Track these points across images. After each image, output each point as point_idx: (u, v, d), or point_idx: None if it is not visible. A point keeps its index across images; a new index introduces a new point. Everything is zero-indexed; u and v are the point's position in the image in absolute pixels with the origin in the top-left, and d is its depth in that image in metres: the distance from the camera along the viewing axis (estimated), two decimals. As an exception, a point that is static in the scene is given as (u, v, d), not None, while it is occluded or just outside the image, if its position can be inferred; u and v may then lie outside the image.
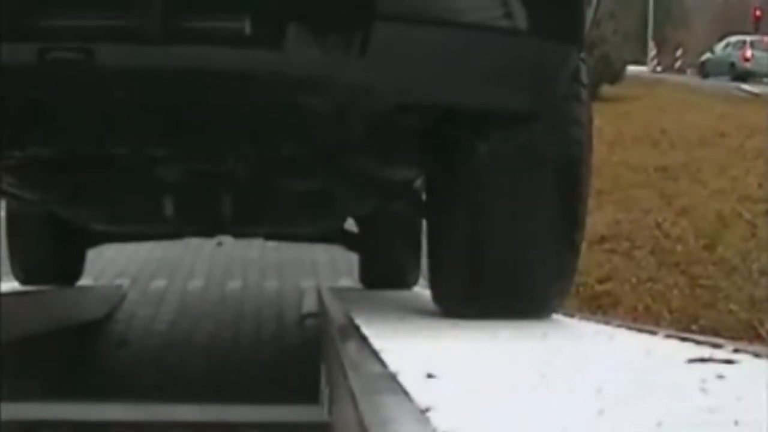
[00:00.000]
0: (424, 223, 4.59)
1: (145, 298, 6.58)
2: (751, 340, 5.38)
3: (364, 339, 1.80)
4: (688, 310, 5.98)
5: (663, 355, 1.60)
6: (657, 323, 5.72)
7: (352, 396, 1.12)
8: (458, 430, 0.90)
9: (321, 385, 3.47)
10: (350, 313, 2.77)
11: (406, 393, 1.06)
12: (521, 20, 1.97)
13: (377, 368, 1.29)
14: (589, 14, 2.16)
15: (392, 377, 1.20)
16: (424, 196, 2.96)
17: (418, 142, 2.46)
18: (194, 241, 6.08)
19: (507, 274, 2.23)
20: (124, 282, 6.92)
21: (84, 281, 5.67)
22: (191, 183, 2.86)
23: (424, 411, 0.95)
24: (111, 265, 7.19)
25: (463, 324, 2.10)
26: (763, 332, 5.51)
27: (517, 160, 2.19)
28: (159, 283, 7.02)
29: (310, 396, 3.72)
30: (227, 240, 5.49)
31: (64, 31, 1.84)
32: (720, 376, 1.26)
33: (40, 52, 1.84)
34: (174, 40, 1.83)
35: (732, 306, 5.98)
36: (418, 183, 3.24)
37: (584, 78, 2.25)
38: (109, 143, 2.36)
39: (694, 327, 5.65)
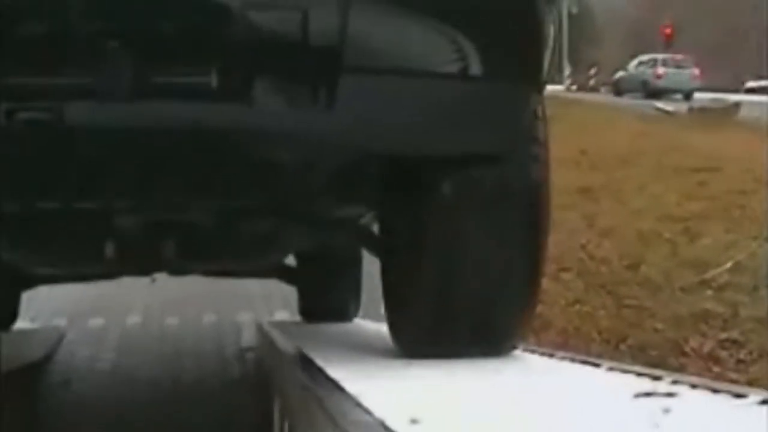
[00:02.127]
0: (364, 253, 4.68)
1: (84, 337, 6.62)
2: (677, 358, 5.63)
3: (333, 381, 1.93)
4: (615, 331, 6.20)
5: (610, 389, 1.76)
6: (587, 345, 5.94)
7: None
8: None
9: (274, 420, 3.59)
10: (303, 349, 2.87)
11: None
12: (485, 68, 2.03)
13: (364, 416, 1.44)
14: (547, 55, 2.18)
15: (380, 423, 1.36)
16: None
17: (374, 182, 2.49)
18: (127, 278, 6.13)
19: (473, 314, 2.26)
20: (62, 322, 6.96)
21: (20, 322, 5.70)
22: (135, 227, 2.85)
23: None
24: (46, 305, 7.19)
25: (417, 362, 2.23)
26: (688, 349, 5.76)
27: (480, 200, 2.23)
28: (97, 322, 7.06)
29: (260, 430, 3.84)
30: (160, 275, 5.55)
31: (30, 90, 1.88)
32: (666, 410, 1.42)
33: (7, 112, 1.87)
34: (140, 96, 1.86)
35: (657, 325, 6.22)
36: (366, 218, 3.28)
37: (542, 116, 2.31)
38: (72, 198, 2.36)
39: (622, 347, 5.88)
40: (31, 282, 4.99)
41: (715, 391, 1.63)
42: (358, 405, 1.55)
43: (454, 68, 2.01)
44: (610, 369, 2.07)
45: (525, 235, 2.27)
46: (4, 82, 1.87)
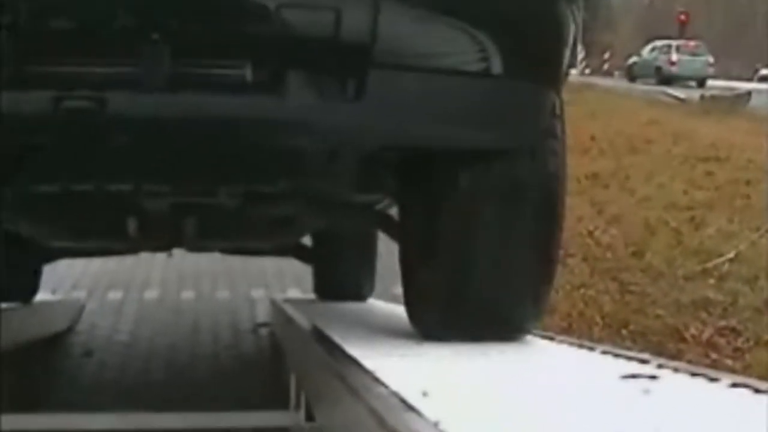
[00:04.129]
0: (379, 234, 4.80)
1: (103, 309, 6.84)
2: (676, 344, 5.83)
3: (351, 357, 2.13)
4: (618, 316, 6.39)
5: (600, 371, 1.97)
6: (590, 328, 6.14)
7: (373, 412, 1.46)
8: None
9: (291, 391, 3.79)
10: (321, 327, 3.05)
11: (414, 410, 1.41)
12: (507, 66, 2.11)
13: (380, 389, 1.64)
14: (566, 55, 2.25)
15: (396, 395, 1.56)
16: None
17: (395, 170, 2.59)
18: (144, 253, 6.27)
19: (487, 300, 2.36)
20: (81, 294, 7.18)
21: (42, 294, 5.90)
22: (159, 206, 2.93)
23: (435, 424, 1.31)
24: (66, 278, 7.41)
25: (428, 342, 2.42)
26: (687, 336, 5.96)
27: (497, 191, 2.31)
28: (115, 295, 7.28)
29: (276, 401, 4.04)
30: (177, 250, 5.68)
31: (74, 79, 1.97)
32: (646, 391, 1.62)
33: (45, 100, 1.95)
34: (178, 86, 1.95)
35: (659, 311, 6.42)
36: (386, 203, 3.36)
37: (560, 112, 2.39)
38: (107, 182, 2.50)
39: (624, 332, 6.08)
40: (52, 256, 5.12)
41: (693, 374, 1.83)
42: (375, 379, 1.75)
43: (476, 66, 2.10)
44: (604, 353, 2.26)
45: (539, 225, 2.36)
46: (52, 72, 1.97)
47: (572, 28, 2.23)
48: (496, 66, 2.11)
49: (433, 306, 2.44)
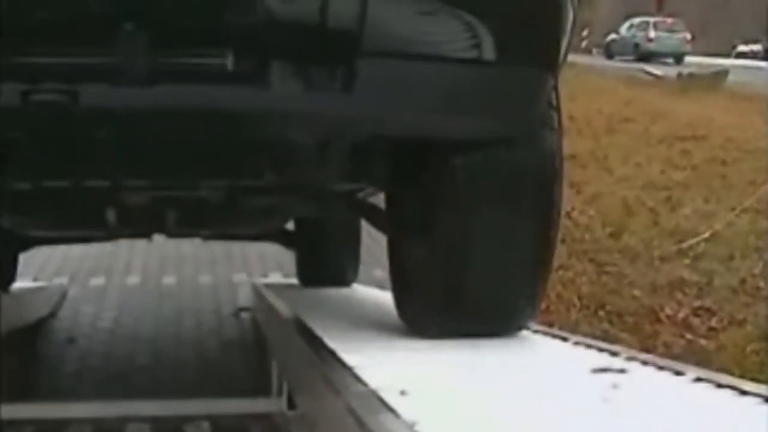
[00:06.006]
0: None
1: (86, 295, 6.87)
2: (652, 324, 5.92)
3: (331, 351, 2.18)
4: (595, 297, 6.47)
5: (572, 364, 2.04)
6: (568, 310, 6.23)
7: (352, 411, 1.53)
8: None
9: (272, 378, 3.85)
10: (302, 316, 3.07)
11: (391, 410, 1.48)
12: (502, 53, 2.05)
13: (360, 387, 1.69)
14: (564, 42, 2.19)
15: (374, 394, 1.62)
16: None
17: (385, 161, 2.52)
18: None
19: (482, 296, 2.30)
20: (63, 280, 7.20)
21: (23, 281, 5.93)
22: (140, 196, 2.90)
23: (412, 425, 1.38)
24: (48, 264, 7.43)
25: (409, 335, 2.48)
26: (663, 316, 6.05)
27: (492, 182, 2.24)
28: (98, 281, 7.31)
29: (258, 388, 4.09)
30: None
31: (45, 71, 1.90)
32: (615, 386, 1.69)
33: (23, 93, 1.88)
34: (155, 78, 1.86)
35: (635, 292, 6.51)
36: (368, 192, 3.30)
37: (557, 100, 2.33)
38: (85, 177, 2.48)
39: (601, 313, 6.17)
40: (29, 244, 5.12)
41: (660, 368, 1.90)
42: (355, 376, 1.80)
43: (470, 52, 2.03)
44: (576, 343, 2.32)
45: (535, 217, 2.30)
46: (20, 63, 1.90)
47: (571, 13, 2.18)
48: (493, 53, 2.06)
49: (424, 301, 2.38)
